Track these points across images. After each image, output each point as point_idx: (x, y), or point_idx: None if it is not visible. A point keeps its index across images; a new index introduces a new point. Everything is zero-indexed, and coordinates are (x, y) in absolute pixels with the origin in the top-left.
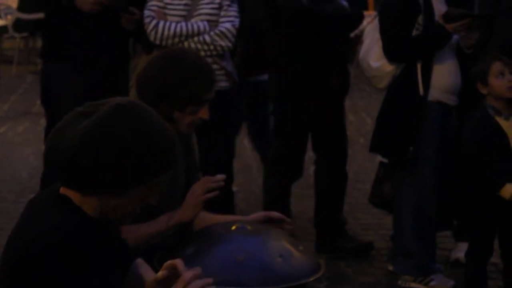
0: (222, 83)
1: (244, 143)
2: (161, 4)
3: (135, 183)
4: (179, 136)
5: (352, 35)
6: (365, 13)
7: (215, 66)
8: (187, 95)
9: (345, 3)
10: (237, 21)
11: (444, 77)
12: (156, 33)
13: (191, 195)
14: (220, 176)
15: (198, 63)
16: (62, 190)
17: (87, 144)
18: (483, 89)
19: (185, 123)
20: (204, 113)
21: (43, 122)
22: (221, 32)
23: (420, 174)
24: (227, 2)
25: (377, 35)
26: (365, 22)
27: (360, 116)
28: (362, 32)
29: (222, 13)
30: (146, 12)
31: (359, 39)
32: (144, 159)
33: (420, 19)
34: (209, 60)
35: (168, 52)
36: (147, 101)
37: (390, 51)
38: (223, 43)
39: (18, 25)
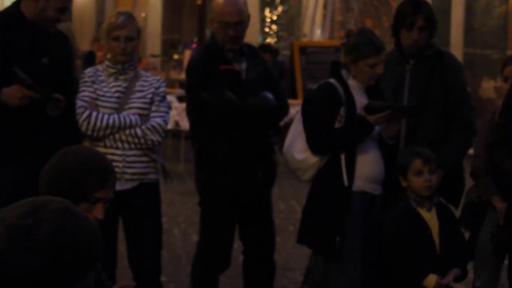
0: (152, 176)
1: (174, 233)
2: (93, 95)
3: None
4: None
5: (281, 123)
6: (294, 101)
7: (145, 159)
8: (77, 193)
9: (270, 96)
10: (167, 117)
11: (367, 167)
12: (88, 123)
13: None
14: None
15: (92, 161)
16: None
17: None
18: (403, 182)
19: None
20: (98, 212)
21: None
22: (152, 126)
23: (347, 265)
24: (159, 98)
25: (300, 127)
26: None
27: (290, 204)
28: (291, 120)
29: (154, 108)
30: (79, 103)
31: (288, 127)
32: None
33: (342, 111)
34: (140, 153)
35: (63, 150)
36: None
37: (313, 144)
38: (153, 137)
39: None
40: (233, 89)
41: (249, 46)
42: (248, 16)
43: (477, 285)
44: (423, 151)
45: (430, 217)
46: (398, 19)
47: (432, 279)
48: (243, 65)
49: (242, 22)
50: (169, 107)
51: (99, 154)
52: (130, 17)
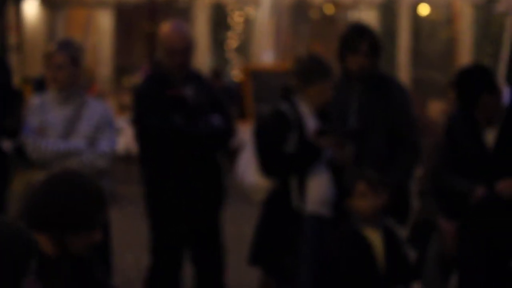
0: None
1: (126, 257)
2: (41, 123)
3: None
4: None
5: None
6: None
7: None
8: (78, 219)
9: (217, 120)
10: (115, 143)
11: (318, 190)
12: (36, 151)
13: None
14: None
15: (88, 186)
16: None
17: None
18: (349, 204)
19: (81, 246)
20: (98, 236)
21: None
22: (100, 153)
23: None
24: (106, 124)
25: (252, 151)
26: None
27: (240, 226)
28: (241, 142)
29: (101, 134)
30: (26, 131)
31: (238, 150)
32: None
33: (292, 135)
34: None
35: (54, 175)
36: (31, 226)
37: (265, 167)
38: (101, 164)
39: None
40: (180, 114)
41: (195, 72)
42: (194, 43)
43: None
44: (367, 173)
45: (375, 238)
46: (343, 43)
47: None
48: (190, 90)
49: (188, 49)
50: (117, 133)
51: (91, 180)
52: (64, 45)
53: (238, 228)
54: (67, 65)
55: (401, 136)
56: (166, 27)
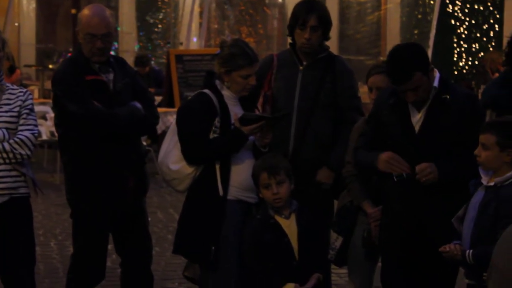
0: (22, 190)
1: (50, 245)
2: None
3: None
4: None
5: (159, 132)
6: (171, 110)
7: (15, 173)
8: None
9: (138, 106)
10: (36, 130)
11: (242, 176)
12: None
13: None
14: None
15: None
16: None
17: None
18: (259, 193)
19: None
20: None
21: None
22: (21, 140)
23: (221, 274)
24: (26, 111)
25: (175, 137)
26: (172, 119)
27: (168, 213)
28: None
29: (21, 121)
30: None
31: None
32: None
33: (216, 121)
34: (9, 167)
35: None
36: None
37: (188, 154)
38: (22, 151)
39: None
40: (100, 100)
41: (116, 57)
42: (115, 27)
43: None
44: (270, 164)
45: (289, 224)
46: (292, 18)
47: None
48: (110, 76)
49: (109, 34)
50: (40, 119)
51: None
52: None
53: (167, 214)
54: None
55: (345, 116)
56: (86, 11)
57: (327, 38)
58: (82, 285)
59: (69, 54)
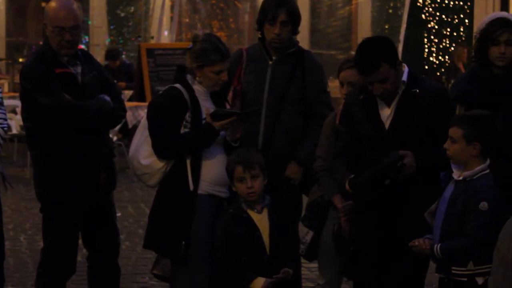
0: None
1: (20, 240)
2: None
3: None
4: None
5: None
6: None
7: None
8: None
9: (107, 98)
10: (5, 124)
11: (213, 170)
12: None
13: None
14: None
15: None
16: None
17: None
18: (233, 187)
19: None
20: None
21: None
22: None
23: (192, 269)
24: None
25: (146, 132)
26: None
27: (139, 207)
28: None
29: None
30: None
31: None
32: None
33: (187, 116)
34: None
35: None
36: None
37: (159, 148)
38: None
39: None
40: (69, 93)
41: (82, 51)
42: (83, 20)
43: (321, 283)
44: (245, 158)
45: (261, 219)
46: (261, 13)
47: (259, 282)
48: (78, 69)
49: (77, 26)
50: (9, 113)
51: None
52: None
53: (138, 209)
54: None
55: (314, 111)
56: (53, 4)
57: (297, 32)
58: (53, 279)
59: None
